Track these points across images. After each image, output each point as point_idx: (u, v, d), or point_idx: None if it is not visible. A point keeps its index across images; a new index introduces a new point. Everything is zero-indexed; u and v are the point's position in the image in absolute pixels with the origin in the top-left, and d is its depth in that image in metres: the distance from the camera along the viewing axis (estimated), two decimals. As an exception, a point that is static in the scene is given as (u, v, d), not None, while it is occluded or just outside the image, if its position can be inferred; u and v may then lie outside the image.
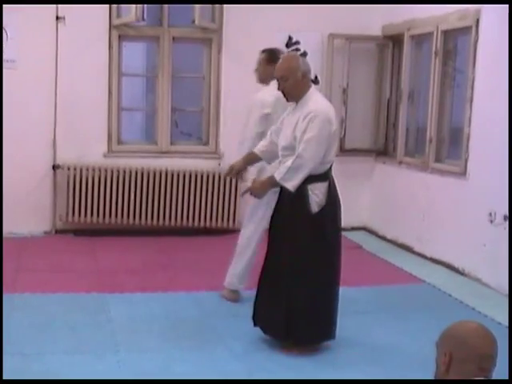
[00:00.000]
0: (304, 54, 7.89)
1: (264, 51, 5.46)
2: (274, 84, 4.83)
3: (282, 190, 4.46)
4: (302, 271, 4.40)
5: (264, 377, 4.06)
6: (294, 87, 4.42)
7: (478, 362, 2.30)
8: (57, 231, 7.59)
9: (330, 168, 4.48)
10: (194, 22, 7.47)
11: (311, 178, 4.34)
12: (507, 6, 5.73)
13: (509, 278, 5.57)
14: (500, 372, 3.23)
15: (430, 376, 2.44)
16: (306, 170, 4.29)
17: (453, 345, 2.33)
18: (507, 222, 5.79)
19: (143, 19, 7.53)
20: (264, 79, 5.40)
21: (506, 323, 5.03)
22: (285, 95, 4.51)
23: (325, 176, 4.42)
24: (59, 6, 7.19)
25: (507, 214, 5.78)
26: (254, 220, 5.38)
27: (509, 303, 5.30)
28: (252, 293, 4.74)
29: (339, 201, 4.56)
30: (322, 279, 4.43)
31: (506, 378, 3.64)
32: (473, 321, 2.45)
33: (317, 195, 4.36)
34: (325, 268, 4.45)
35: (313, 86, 4.52)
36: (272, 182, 4.48)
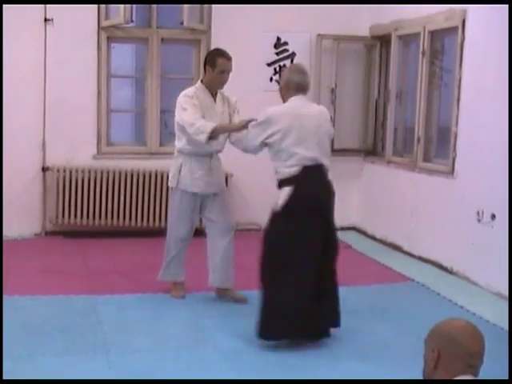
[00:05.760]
0: (292, 55, 7.95)
1: None
2: None
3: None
4: None
5: (253, 376, 4.08)
6: None
7: (466, 359, 2.33)
8: (47, 233, 7.58)
9: None
10: (182, 23, 7.49)
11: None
12: (493, 6, 5.78)
13: (509, 279, 5.54)
14: (500, 372, 3.28)
15: (420, 373, 2.47)
16: None
17: (441, 342, 2.35)
18: (494, 221, 5.83)
19: (132, 21, 7.56)
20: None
21: (494, 321, 5.06)
22: None
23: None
24: (47, 7, 7.19)
25: (494, 212, 5.81)
26: None
27: (509, 305, 5.31)
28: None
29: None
30: None
31: (506, 377, 3.65)
32: (461, 318, 2.47)
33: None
34: None
35: None
36: None
